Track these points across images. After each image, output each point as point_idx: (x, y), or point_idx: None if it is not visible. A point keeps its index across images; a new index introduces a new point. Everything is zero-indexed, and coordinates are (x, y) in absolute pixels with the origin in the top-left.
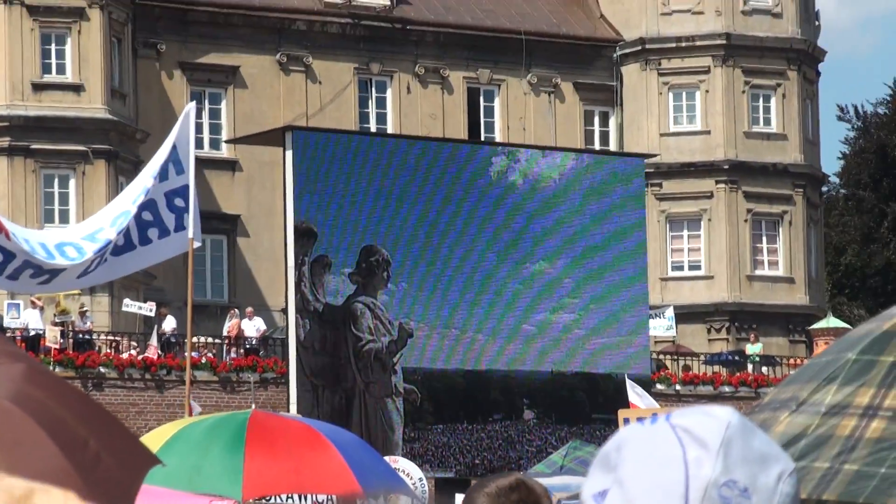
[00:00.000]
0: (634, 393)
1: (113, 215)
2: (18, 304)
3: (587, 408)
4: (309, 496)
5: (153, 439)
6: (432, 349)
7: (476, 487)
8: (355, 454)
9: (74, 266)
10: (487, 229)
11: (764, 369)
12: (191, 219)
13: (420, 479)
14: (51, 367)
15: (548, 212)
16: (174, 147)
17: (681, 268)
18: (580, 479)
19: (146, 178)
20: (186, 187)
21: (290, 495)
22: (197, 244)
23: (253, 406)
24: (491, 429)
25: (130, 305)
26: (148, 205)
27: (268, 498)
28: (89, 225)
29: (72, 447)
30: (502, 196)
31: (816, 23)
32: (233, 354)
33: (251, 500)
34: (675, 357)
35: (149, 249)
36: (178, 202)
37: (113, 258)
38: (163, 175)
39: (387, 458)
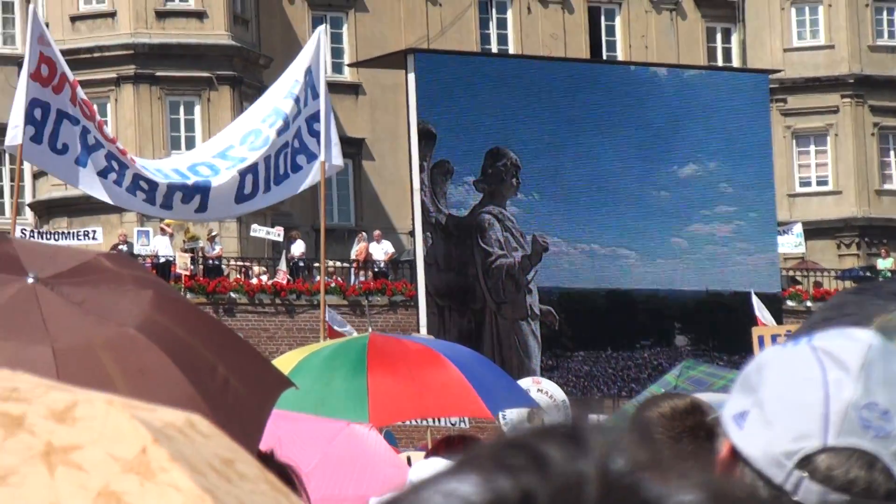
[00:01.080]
0: (761, 310)
1: (242, 133)
2: (148, 232)
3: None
4: (443, 418)
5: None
6: (570, 266)
7: (647, 406)
8: (478, 373)
9: (222, 189)
10: (623, 133)
11: None
12: (323, 142)
13: (563, 401)
14: (182, 294)
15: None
16: (309, 71)
17: (808, 184)
18: (711, 396)
19: (277, 98)
20: (319, 112)
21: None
22: (339, 166)
23: (370, 329)
24: (638, 356)
25: (258, 231)
26: (292, 131)
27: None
28: (218, 143)
29: (199, 373)
30: (644, 96)
31: None
32: (361, 278)
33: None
34: (806, 273)
35: (300, 175)
36: (317, 126)
37: (275, 187)
38: (302, 100)
39: (530, 378)
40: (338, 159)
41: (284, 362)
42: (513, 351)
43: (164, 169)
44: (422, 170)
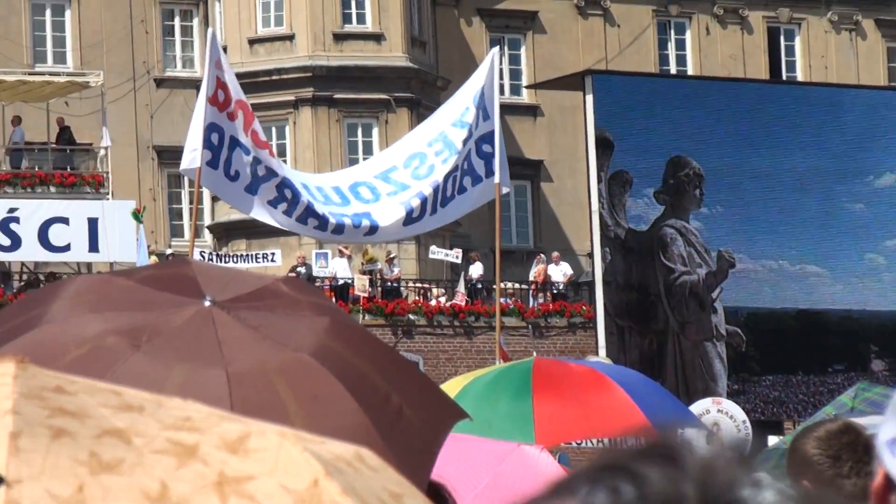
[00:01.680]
0: None
1: (406, 154)
2: (327, 254)
3: None
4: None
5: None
6: (756, 284)
7: (803, 433)
8: (643, 393)
9: (389, 218)
10: (806, 151)
11: None
12: (497, 164)
13: (743, 422)
14: (360, 316)
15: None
16: (481, 93)
17: None
18: (870, 419)
19: (445, 122)
20: (493, 133)
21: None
22: (505, 190)
23: (535, 354)
24: (831, 381)
25: (437, 252)
26: (462, 156)
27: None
28: (382, 162)
29: (372, 402)
30: (826, 115)
31: None
32: (540, 299)
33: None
34: None
35: (465, 197)
36: (486, 148)
37: (441, 210)
38: (473, 123)
39: (710, 399)
40: (506, 182)
41: (451, 387)
42: (697, 374)
43: (325, 188)
44: (599, 181)
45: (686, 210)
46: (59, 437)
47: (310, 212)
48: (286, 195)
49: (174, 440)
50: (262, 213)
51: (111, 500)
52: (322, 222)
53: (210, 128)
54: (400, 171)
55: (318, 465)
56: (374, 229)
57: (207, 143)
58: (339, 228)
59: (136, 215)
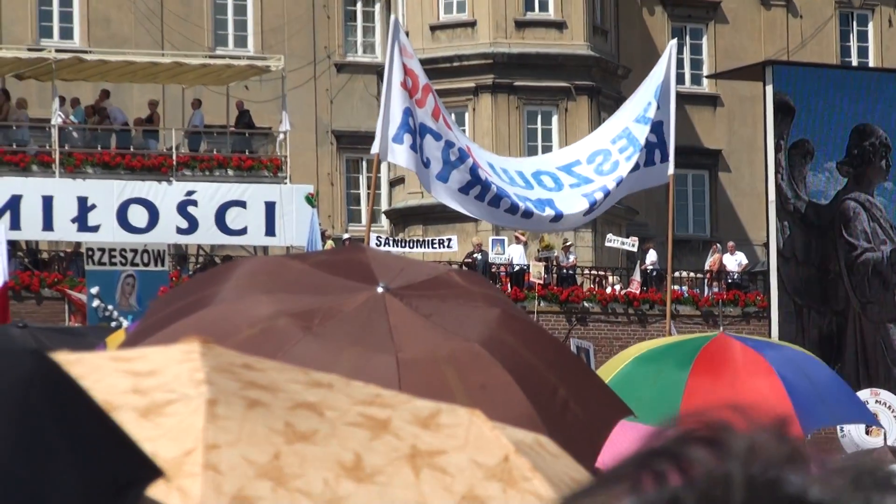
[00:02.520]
0: None
1: (590, 150)
2: (503, 240)
3: None
4: None
5: (612, 365)
6: None
7: None
8: (803, 389)
9: (573, 208)
10: None
11: None
12: (672, 154)
13: None
14: (535, 302)
15: None
16: (661, 87)
17: None
18: None
19: (628, 118)
20: (662, 123)
21: None
22: (669, 176)
23: (721, 329)
24: None
25: (613, 241)
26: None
27: None
28: (566, 156)
29: (539, 394)
30: None
31: None
32: (714, 289)
33: None
34: None
35: (633, 177)
36: (652, 137)
37: (615, 188)
38: (652, 117)
39: (868, 390)
40: (670, 170)
41: (625, 354)
42: (878, 356)
43: (510, 170)
44: (778, 149)
45: (871, 182)
46: (253, 407)
47: (499, 196)
48: (479, 176)
49: (366, 414)
50: (452, 202)
51: (307, 468)
52: (512, 206)
53: (406, 112)
54: (583, 165)
55: (507, 442)
56: (558, 217)
57: (407, 127)
58: (528, 214)
59: (310, 199)
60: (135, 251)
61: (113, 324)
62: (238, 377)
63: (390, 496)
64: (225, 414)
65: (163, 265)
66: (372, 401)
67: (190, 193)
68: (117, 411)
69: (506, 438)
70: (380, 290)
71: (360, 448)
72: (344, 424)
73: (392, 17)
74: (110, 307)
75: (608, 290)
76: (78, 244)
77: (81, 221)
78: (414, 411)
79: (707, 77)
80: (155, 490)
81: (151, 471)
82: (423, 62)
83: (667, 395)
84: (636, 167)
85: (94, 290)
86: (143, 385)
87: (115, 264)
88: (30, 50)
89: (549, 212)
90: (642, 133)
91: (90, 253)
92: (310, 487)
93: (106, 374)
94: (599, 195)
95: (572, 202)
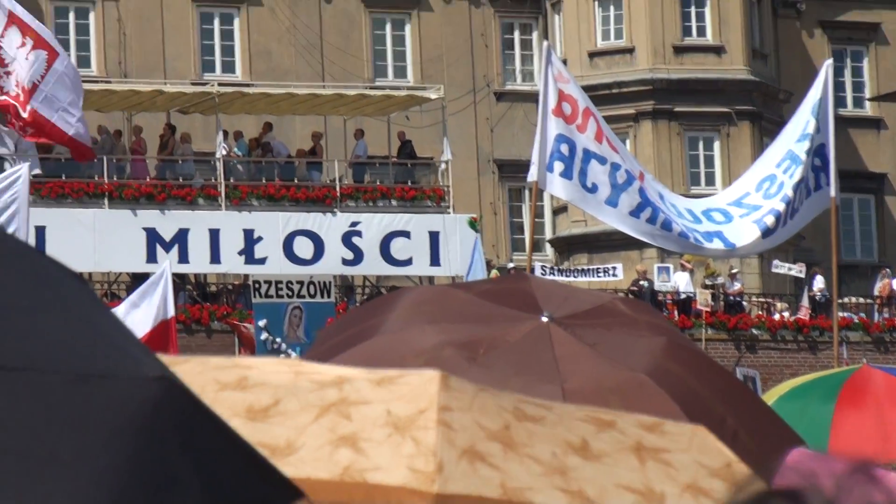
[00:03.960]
0: None
1: (757, 179)
2: (669, 268)
3: None
4: None
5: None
6: None
7: None
8: None
9: (744, 237)
10: None
11: None
12: (833, 176)
13: None
14: (703, 330)
15: None
16: (818, 104)
17: None
18: None
19: (790, 140)
20: (824, 146)
21: None
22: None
23: (864, 361)
24: None
25: (780, 266)
26: (807, 167)
27: None
28: (735, 191)
29: (707, 423)
30: None
31: None
32: (885, 314)
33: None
34: None
35: (807, 207)
36: (817, 161)
37: (791, 221)
38: (811, 132)
39: None
40: (832, 192)
41: (778, 389)
42: None
43: (679, 206)
44: None
45: None
46: (482, 392)
47: (669, 221)
48: (649, 199)
49: (591, 416)
50: (623, 226)
51: (536, 441)
52: (681, 234)
53: (558, 139)
54: (752, 195)
55: (730, 453)
56: (729, 247)
57: (558, 155)
58: (698, 244)
59: (473, 224)
60: (301, 283)
61: (281, 356)
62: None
63: (614, 473)
64: (457, 387)
65: (329, 297)
66: (597, 410)
67: (354, 224)
68: (350, 382)
69: (727, 450)
70: (544, 319)
71: (586, 435)
72: (570, 419)
73: (545, 43)
74: (278, 339)
75: (776, 316)
76: (246, 276)
77: (248, 254)
78: (638, 419)
79: (869, 100)
80: (388, 440)
81: (290, 492)
82: (583, 89)
83: (814, 431)
84: (803, 183)
85: (261, 323)
86: (375, 373)
87: (281, 296)
88: (193, 84)
89: (717, 243)
90: (802, 149)
91: (257, 286)
92: (538, 455)
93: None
94: (770, 219)
95: (743, 232)
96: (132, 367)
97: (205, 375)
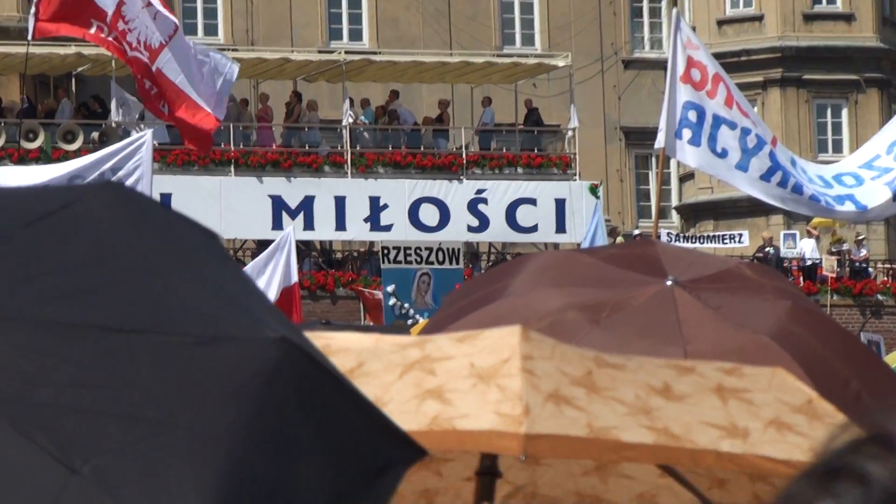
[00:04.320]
0: None
1: (887, 142)
2: (795, 234)
3: None
4: None
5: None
6: None
7: None
8: None
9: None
10: None
11: None
12: None
13: None
14: (828, 296)
15: None
16: None
17: None
18: None
19: None
20: None
21: None
22: None
23: None
24: None
25: None
26: None
27: None
28: (864, 153)
29: (831, 386)
30: None
31: None
32: None
33: None
34: None
35: None
36: None
37: None
38: None
39: None
40: None
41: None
42: None
43: (809, 171)
44: None
45: None
46: (561, 344)
47: (800, 185)
48: (779, 162)
49: (671, 364)
50: (754, 190)
51: (618, 385)
52: (812, 197)
53: (686, 106)
54: (883, 157)
55: (810, 390)
56: (860, 209)
57: (686, 122)
58: (830, 208)
59: (594, 190)
60: (430, 249)
61: (409, 322)
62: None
63: (699, 413)
64: (538, 339)
65: (457, 263)
66: (677, 360)
67: (480, 192)
68: (432, 341)
69: (808, 388)
70: (669, 283)
71: (668, 379)
72: (651, 365)
73: (674, 10)
74: (406, 305)
75: None
76: (371, 243)
77: (374, 221)
78: (717, 365)
79: None
80: (473, 390)
81: (413, 451)
82: (712, 56)
83: None
84: None
85: (390, 289)
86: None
87: (410, 263)
88: (320, 52)
89: (848, 206)
90: None
91: (386, 251)
92: (622, 397)
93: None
94: None
95: (874, 194)
96: (254, 329)
97: None
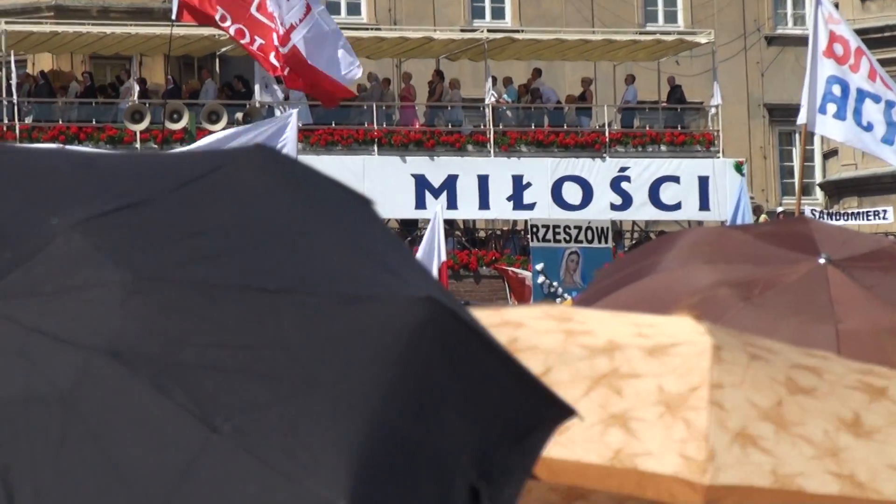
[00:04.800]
0: None
1: None
2: None
3: None
4: None
5: None
6: None
7: None
8: None
9: None
10: None
11: None
12: None
13: None
14: None
15: None
16: None
17: None
18: None
19: None
20: None
21: None
22: None
23: None
24: None
25: None
26: None
27: None
28: None
29: None
30: None
31: None
32: None
33: None
34: None
35: None
36: None
37: None
38: None
39: None
40: None
41: None
42: None
43: None
44: None
45: None
46: (755, 359)
47: None
48: None
49: (864, 381)
50: None
51: (808, 418)
52: None
53: (830, 80)
54: None
55: None
56: None
57: (830, 96)
58: None
59: (739, 168)
60: (578, 228)
61: (558, 300)
62: (736, 336)
63: (889, 454)
64: (729, 359)
65: (606, 242)
66: (868, 370)
67: (623, 169)
68: (622, 350)
69: None
70: (822, 261)
71: (858, 408)
72: (842, 387)
73: None
74: (555, 284)
75: None
76: (514, 222)
77: (517, 199)
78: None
79: None
80: (659, 421)
81: (562, 410)
82: (855, 33)
83: None
84: None
85: (538, 267)
86: (645, 331)
87: (559, 241)
88: (463, 31)
89: None
90: None
91: (535, 230)
92: (811, 435)
93: (608, 322)
94: None
95: None
96: (399, 288)
97: None
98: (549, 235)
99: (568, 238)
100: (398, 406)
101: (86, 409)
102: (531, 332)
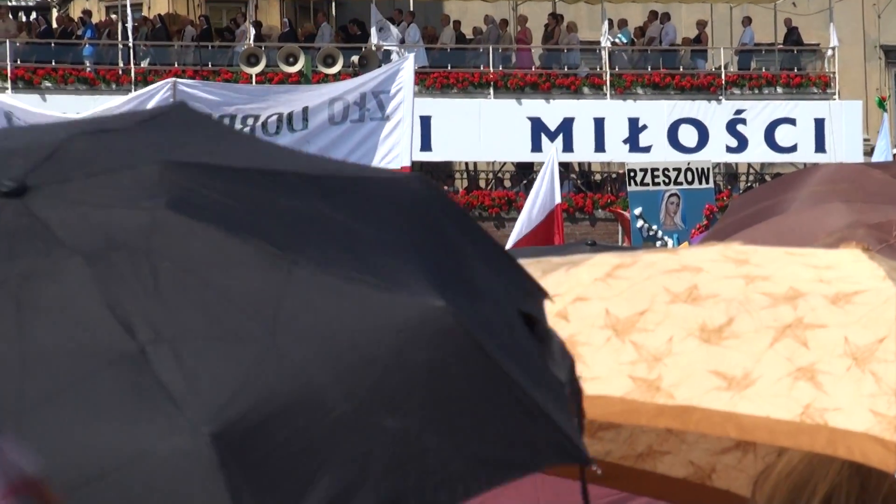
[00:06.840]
0: None
1: None
2: None
3: None
4: None
5: None
6: None
7: None
8: None
9: None
10: None
11: None
12: None
13: None
14: None
15: None
16: None
17: None
18: None
19: None
20: None
21: None
22: None
23: None
24: None
25: None
26: None
27: None
28: None
29: None
30: None
31: None
32: None
33: None
34: None
35: None
36: None
37: None
38: None
39: None
40: None
41: None
42: None
43: None
44: None
45: None
46: None
47: None
48: None
49: None
50: None
51: None
52: None
53: None
54: None
55: None
56: None
57: None
58: None
59: (881, 103)
60: (678, 170)
61: (658, 243)
62: None
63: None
64: None
65: (708, 183)
66: None
67: (739, 112)
68: (805, 298)
69: None
70: None
71: None
72: None
73: None
74: (654, 227)
75: None
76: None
77: (633, 142)
78: None
79: None
80: (847, 374)
81: (539, 293)
82: None
83: None
84: None
85: (637, 211)
86: (825, 276)
87: (658, 184)
88: None
89: None
90: None
91: (632, 174)
92: None
93: (786, 265)
94: None
95: None
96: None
97: (654, 281)
98: (648, 179)
99: (668, 180)
100: (432, 262)
101: (166, 252)
102: (711, 277)
